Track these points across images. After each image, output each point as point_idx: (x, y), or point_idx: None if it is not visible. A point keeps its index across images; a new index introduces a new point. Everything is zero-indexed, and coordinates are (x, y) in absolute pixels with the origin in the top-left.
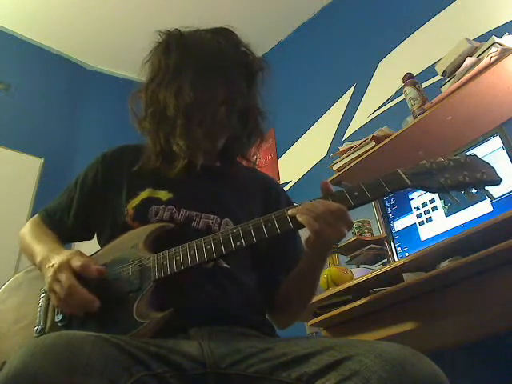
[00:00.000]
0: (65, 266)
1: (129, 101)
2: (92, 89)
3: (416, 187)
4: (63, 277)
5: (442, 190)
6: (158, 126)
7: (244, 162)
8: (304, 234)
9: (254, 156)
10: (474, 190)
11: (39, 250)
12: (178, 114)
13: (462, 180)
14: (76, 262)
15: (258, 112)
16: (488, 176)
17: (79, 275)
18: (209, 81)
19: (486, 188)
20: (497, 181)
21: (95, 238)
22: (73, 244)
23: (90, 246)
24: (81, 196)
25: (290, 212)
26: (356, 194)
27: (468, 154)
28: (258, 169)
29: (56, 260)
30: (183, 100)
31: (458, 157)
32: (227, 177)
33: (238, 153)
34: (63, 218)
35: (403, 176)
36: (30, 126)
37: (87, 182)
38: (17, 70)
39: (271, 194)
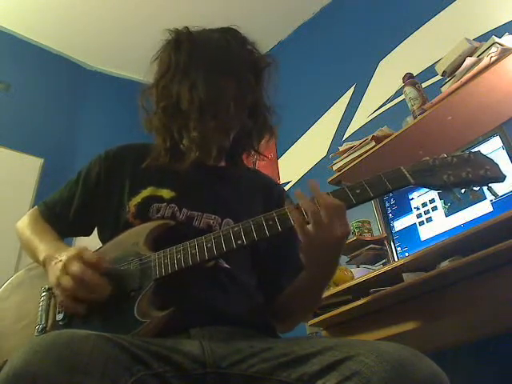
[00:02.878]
0: (76, 258)
1: (139, 98)
2: (92, 89)
3: (419, 184)
4: (75, 267)
5: (444, 187)
6: (169, 120)
7: (253, 156)
8: None
9: (264, 151)
10: (477, 188)
11: (43, 247)
12: (193, 107)
13: (466, 177)
14: (90, 256)
15: (265, 107)
16: (492, 173)
17: None
18: (220, 77)
19: (490, 185)
20: (501, 177)
21: (95, 235)
22: (74, 240)
23: (90, 244)
24: (83, 192)
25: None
26: (358, 191)
27: (472, 150)
28: (260, 170)
29: (64, 256)
30: (197, 94)
31: (461, 153)
32: (230, 177)
33: (245, 150)
34: (63, 213)
35: (406, 173)
36: (30, 126)
37: (90, 179)
38: (17, 69)
39: (273, 195)
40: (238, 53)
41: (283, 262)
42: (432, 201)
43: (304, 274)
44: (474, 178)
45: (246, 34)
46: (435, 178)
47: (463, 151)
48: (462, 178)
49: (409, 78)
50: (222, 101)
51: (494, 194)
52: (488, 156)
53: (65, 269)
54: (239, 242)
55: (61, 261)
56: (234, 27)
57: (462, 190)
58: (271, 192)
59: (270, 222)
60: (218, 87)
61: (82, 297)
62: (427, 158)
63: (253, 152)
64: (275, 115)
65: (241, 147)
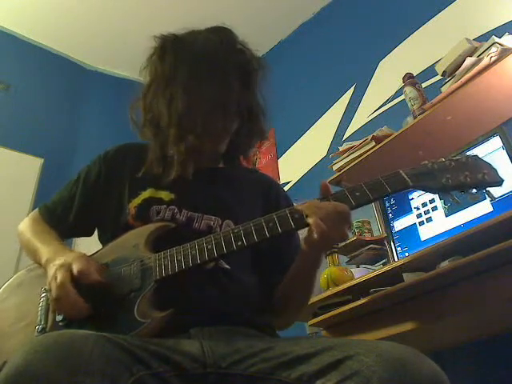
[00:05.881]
0: (65, 266)
1: (129, 110)
2: (92, 89)
3: (417, 188)
4: (59, 275)
5: (443, 191)
6: (154, 134)
7: (244, 162)
8: (303, 232)
9: (254, 156)
10: (475, 191)
11: (44, 250)
12: (171, 123)
13: (464, 180)
14: (76, 266)
15: (258, 110)
16: (489, 177)
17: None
18: (202, 82)
19: (488, 189)
20: (498, 182)
21: (96, 236)
22: (73, 241)
23: (91, 245)
24: (83, 193)
25: (297, 208)
26: (357, 194)
27: (470, 154)
28: (259, 169)
29: (59, 260)
30: (175, 109)
31: (459, 157)
32: (229, 178)
33: (242, 153)
34: (64, 214)
35: (405, 176)
36: (29, 126)
37: (90, 179)
38: (17, 69)
39: (271, 195)
40: (224, 55)
41: (276, 255)
42: (432, 201)
43: (298, 263)
44: (472, 182)
45: (244, 33)
46: (434, 182)
47: (463, 151)
48: (460, 181)
49: (409, 78)
50: (202, 110)
51: (492, 197)
52: (486, 160)
53: (55, 274)
54: (239, 243)
55: (54, 265)
56: (224, 26)
57: (461, 192)
58: (269, 191)
59: (271, 224)
60: (200, 94)
61: (65, 304)
62: (426, 161)
63: (245, 157)
64: (269, 118)
65: (237, 150)
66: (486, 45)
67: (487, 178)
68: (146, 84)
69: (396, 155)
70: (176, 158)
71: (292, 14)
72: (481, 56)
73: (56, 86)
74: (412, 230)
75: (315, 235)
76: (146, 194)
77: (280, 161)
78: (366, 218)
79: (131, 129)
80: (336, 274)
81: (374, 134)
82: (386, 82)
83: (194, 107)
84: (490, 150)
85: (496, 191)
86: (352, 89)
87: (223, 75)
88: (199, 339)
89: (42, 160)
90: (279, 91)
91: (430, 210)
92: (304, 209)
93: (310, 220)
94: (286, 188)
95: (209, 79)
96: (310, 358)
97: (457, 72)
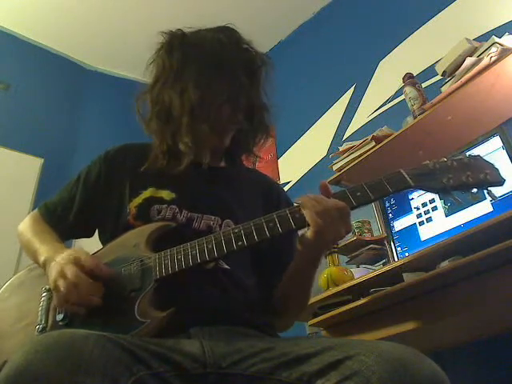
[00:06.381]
0: (73, 261)
1: (135, 102)
2: (92, 89)
3: (419, 187)
4: (70, 271)
5: (444, 191)
6: (164, 125)
7: (250, 158)
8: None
9: (259, 152)
10: (475, 190)
11: (43, 249)
12: (183, 112)
13: (466, 180)
14: (87, 260)
15: (262, 107)
16: (491, 177)
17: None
18: (212, 79)
19: (489, 189)
20: (500, 182)
21: (96, 236)
22: (73, 241)
23: (91, 244)
24: (83, 193)
25: (296, 200)
26: (358, 194)
27: (472, 154)
28: (259, 170)
29: (61, 258)
30: (188, 99)
31: (461, 157)
32: (229, 178)
33: (244, 150)
34: (64, 215)
35: (406, 176)
36: (29, 126)
37: (90, 179)
38: (17, 70)
39: (272, 195)
40: (232, 53)
41: (277, 255)
42: (432, 201)
43: (295, 264)
44: (474, 182)
45: (244, 33)
46: (436, 182)
47: (463, 151)
48: (462, 181)
49: (409, 78)
50: (214, 103)
51: (493, 196)
52: (488, 160)
53: (62, 271)
54: (240, 243)
55: (59, 262)
56: (230, 26)
57: (462, 192)
58: (270, 192)
59: (271, 224)
60: (209, 89)
61: (74, 301)
62: (428, 161)
63: (249, 154)
64: (272, 115)
65: (240, 148)
66: (486, 45)
67: (489, 177)
68: (153, 77)
69: (396, 155)
70: (190, 145)
71: (292, 13)
72: (481, 56)
73: (56, 85)
74: (412, 229)
75: (310, 232)
76: (146, 193)
77: (280, 161)
78: (366, 218)
79: (138, 123)
80: (336, 274)
81: (374, 134)
82: (386, 82)
83: (206, 100)
84: (490, 150)
85: (498, 188)
86: (352, 89)
87: (231, 71)
88: (199, 339)
89: (42, 160)
90: (279, 91)
91: (430, 210)
92: (303, 201)
93: (304, 212)
94: (285, 188)
95: (218, 74)
96: (310, 358)
97: (457, 72)
